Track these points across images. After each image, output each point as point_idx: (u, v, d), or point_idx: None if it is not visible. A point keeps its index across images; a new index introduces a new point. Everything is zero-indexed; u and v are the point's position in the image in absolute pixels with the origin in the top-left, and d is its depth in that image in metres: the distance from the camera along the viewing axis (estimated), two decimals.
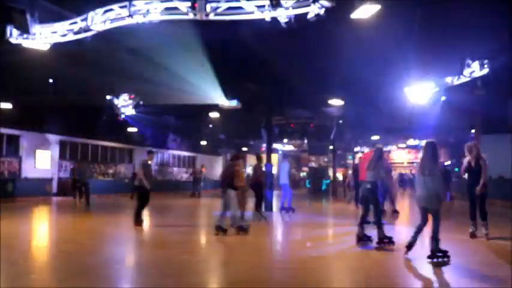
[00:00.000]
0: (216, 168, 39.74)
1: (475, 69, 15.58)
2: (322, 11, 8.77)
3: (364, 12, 9.69)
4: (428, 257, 6.03)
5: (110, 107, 22.61)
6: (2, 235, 7.58)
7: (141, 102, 22.57)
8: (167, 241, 8.20)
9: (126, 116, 22.71)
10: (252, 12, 9.32)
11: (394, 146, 46.13)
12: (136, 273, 5.75)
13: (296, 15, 9.06)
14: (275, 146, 33.79)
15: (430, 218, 6.29)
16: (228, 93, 20.95)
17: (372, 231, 7.39)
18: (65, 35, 11.30)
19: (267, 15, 9.24)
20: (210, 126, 32.64)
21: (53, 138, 24.44)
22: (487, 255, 6.74)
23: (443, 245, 7.24)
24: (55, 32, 11.41)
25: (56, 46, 11.76)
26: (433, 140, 6.89)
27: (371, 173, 7.31)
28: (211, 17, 9.60)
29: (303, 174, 46.34)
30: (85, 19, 10.85)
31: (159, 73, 16.69)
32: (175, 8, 9.83)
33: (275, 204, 14.77)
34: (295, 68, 15.73)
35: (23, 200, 17.20)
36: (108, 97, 22.50)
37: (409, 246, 6.42)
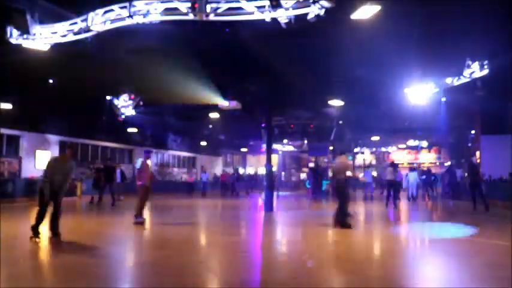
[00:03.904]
0: (216, 168, 39.74)
1: (475, 70, 15.60)
2: (322, 12, 8.77)
3: (364, 13, 9.70)
4: None
5: (110, 107, 22.66)
6: (2, 235, 7.57)
7: (141, 103, 22.64)
8: (167, 241, 8.19)
9: (126, 116, 22.76)
10: (252, 13, 9.33)
11: (394, 146, 46.13)
12: (136, 273, 5.75)
13: (296, 16, 9.06)
14: (275, 146, 33.78)
15: None
16: (228, 94, 20.98)
17: None
18: (65, 36, 11.31)
19: (267, 15, 9.24)
20: (210, 126, 32.66)
21: (53, 138, 24.44)
22: (487, 256, 6.74)
23: (444, 246, 7.27)
24: (55, 33, 11.42)
25: (55, 46, 11.79)
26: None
27: None
28: (212, 17, 9.61)
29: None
30: (85, 19, 10.86)
31: (159, 73, 16.72)
32: (176, 9, 9.84)
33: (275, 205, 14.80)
34: (295, 68, 15.74)
35: (23, 200, 17.18)
36: (108, 97, 22.55)
37: None
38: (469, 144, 33.12)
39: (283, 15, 9.08)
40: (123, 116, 22.64)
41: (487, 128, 24.00)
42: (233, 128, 31.34)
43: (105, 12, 10.60)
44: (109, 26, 10.65)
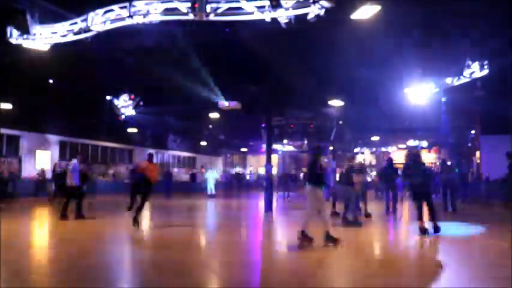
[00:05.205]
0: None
1: (475, 70, 15.62)
2: (322, 12, 8.78)
3: (364, 13, 9.69)
4: None
5: (110, 107, 22.69)
6: (2, 235, 7.57)
7: (141, 103, 22.68)
8: (167, 241, 8.19)
9: (126, 116, 22.78)
10: (252, 13, 9.33)
11: (394, 146, 46.07)
12: (136, 273, 5.75)
13: (296, 16, 9.07)
14: (275, 146, 33.78)
15: None
16: (228, 94, 21.00)
17: None
18: (65, 36, 11.31)
19: (267, 15, 9.24)
20: (210, 126, 32.66)
21: (53, 138, 24.44)
22: (487, 256, 6.74)
23: (445, 246, 7.26)
24: (55, 33, 11.42)
25: (55, 46, 11.80)
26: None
27: None
28: (212, 17, 9.61)
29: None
30: (85, 19, 10.85)
31: (159, 74, 16.73)
32: (176, 9, 9.84)
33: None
34: (295, 68, 15.74)
35: (23, 200, 17.20)
36: (108, 97, 22.58)
37: None
38: (469, 144, 33.12)
39: (283, 15, 9.08)
40: (123, 116, 22.65)
41: (487, 128, 24.01)
42: (233, 128, 31.35)
43: (105, 12, 10.60)
44: (109, 26, 10.64)
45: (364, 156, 48.11)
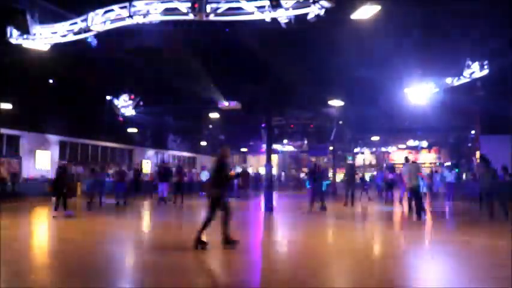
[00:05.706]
0: None
1: (475, 70, 15.62)
2: (322, 12, 8.77)
3: (364, 13, 9.70)
4: None
5: (110, 107, 22.69)
6: (2, 235, 7.58)
7: (141, 103, 22.68)
8: (166, 241, 8.20)
9: (126, 116, 22.77)
10: (252, 13, 9.32)
11: (394, 146, 46.10)
12: (136, 273, 5.75)
13: (296, 16, 9.06)
14: (275, 146, 33.77)
15: None
16: (228, 94, 21.00)
17: None
18: (65, 36, 11.31)
19: (267, 15, 9.24)
20: (210, 126, 32.66)
21: (53, 138, 24.44)
22: (486, 256, 6.75)
23: (444, 246, 7.27)
24: (55, 33, 11.42)
25: (55, 46, 11.80)
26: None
27: None
28: (212, 17, 9.60)
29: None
30: (85, 19, 10.85)
31: (159, 74, 16.73)
32: (176, 9, 9.83)
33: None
34: (295, 68, 15.74)
35: (23, 200, 17.20)
36: (108, 97, 22.57)
37: None
38: (469, 144, 33.14)
39: (283, 15, 9.07)
40: (123, 116, 22.66)
41: (486, 128, 24.00)
42: (233, 128, 31.34)
43: (105, 12, 10.59)
44: (109, 26, 10.63)
45: (364, 156, 48.19)
